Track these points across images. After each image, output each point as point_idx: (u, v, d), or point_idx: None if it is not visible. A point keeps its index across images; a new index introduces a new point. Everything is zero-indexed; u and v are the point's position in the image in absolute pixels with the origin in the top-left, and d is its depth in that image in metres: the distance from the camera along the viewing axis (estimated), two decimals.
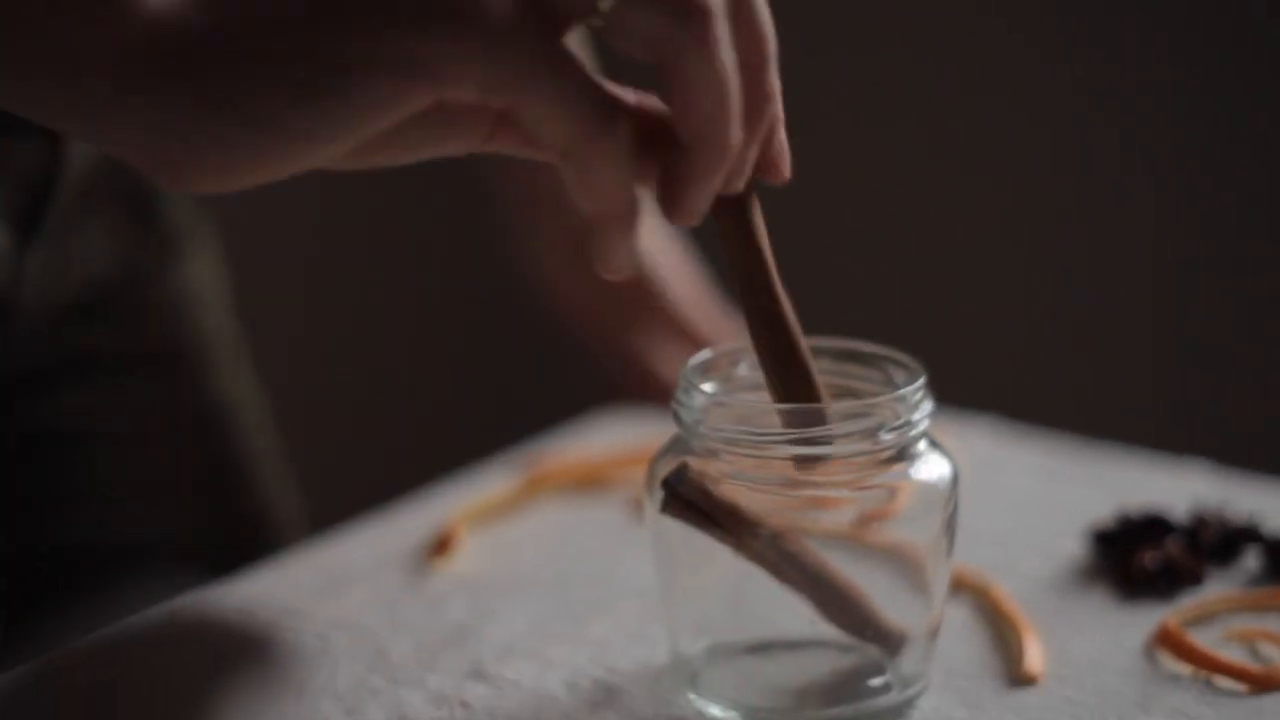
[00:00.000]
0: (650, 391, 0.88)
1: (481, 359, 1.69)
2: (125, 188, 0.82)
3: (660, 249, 0.92)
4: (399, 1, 0.46)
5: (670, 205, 0.50)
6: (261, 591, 0.69)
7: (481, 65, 0.46)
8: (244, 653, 0.60)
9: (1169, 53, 1.34)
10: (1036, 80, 1.40)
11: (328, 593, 0.69)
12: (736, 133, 0.49)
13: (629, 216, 0.49)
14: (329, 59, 0.46)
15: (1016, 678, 0.61)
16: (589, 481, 0.79)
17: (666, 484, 0.58)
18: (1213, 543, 0.70)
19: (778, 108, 0.51)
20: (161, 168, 0.48)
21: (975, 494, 0.65)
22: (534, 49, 0.47)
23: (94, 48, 0.48)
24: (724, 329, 0.90)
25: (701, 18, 0.47)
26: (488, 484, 0.79)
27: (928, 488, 0.57)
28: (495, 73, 0.46)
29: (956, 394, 0.77)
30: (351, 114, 0.47)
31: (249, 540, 0.85)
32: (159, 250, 0.85)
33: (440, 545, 0.73)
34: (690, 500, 0.57)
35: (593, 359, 0.93)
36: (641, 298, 0.90)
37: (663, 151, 0.50)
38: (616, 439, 0.84)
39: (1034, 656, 0.62)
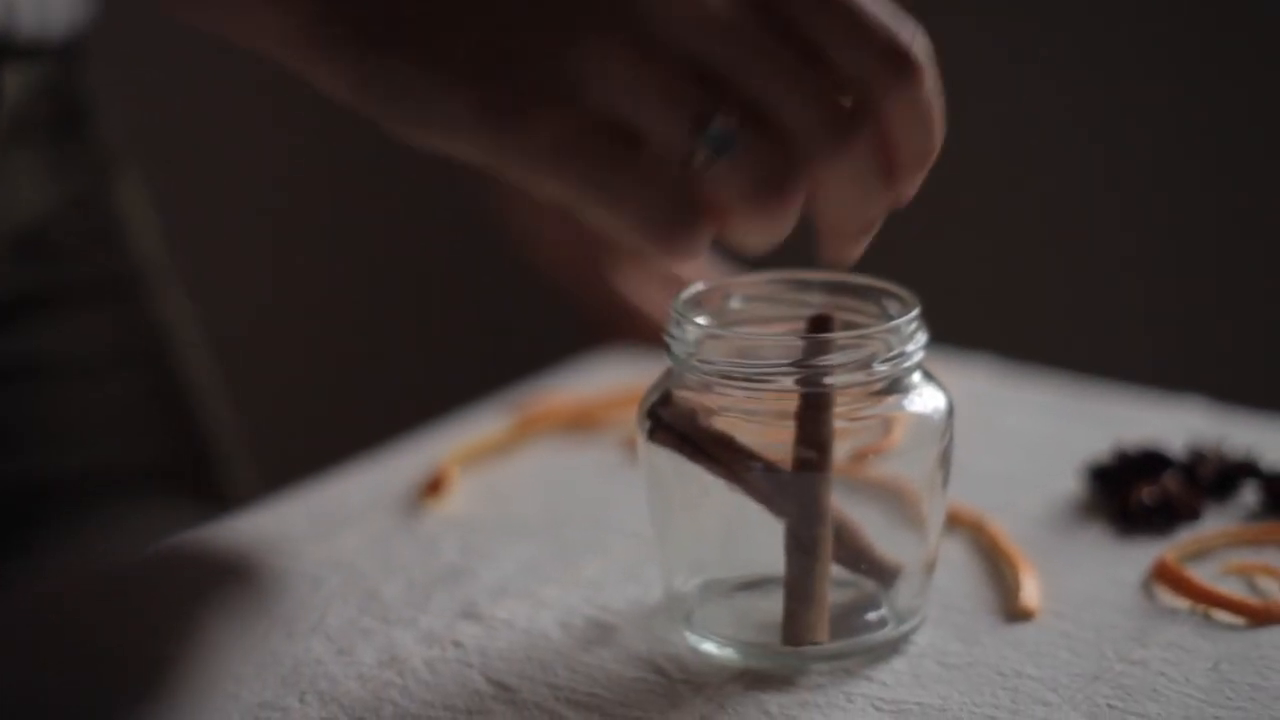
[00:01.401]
0: (638, 331, 0.87)
1: (474, 299, 1.69)
2: (55, 114, 0.82)
3: None
4: (505, 92, 0.49)
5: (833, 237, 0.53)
6: (253, 531, 0.69)
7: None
8: (234, 592, 0.60)
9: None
10: (1040, 18, 1.39)
11: (320, 533, 0.69)
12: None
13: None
14: (492, 96, 0.50)
15: (1013, 613, 0.61)
16: (581, 422, 0.79)
17: (653, 413, 0.57)
18: (1210, 478, 0.69)
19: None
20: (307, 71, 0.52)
21: (972, 432, 0.64)
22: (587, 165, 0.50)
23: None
24: (706, 267, 0.89)
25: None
26: (480, 425, 0.79)
27: (922, 419, 0.57)
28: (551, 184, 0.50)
29: (953, 333, 0.77)
30: (454, 147, 0.51)
31: (198, 467, 0.85)
32: (91, 174, 0.84)
33: (433, 486, 0.72)
34: (677, 429, 0.56)
35: (577, 302, 0.92)
36: None
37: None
38: (609, 380, 0.83)
39: (1030, 592, 0.61)
